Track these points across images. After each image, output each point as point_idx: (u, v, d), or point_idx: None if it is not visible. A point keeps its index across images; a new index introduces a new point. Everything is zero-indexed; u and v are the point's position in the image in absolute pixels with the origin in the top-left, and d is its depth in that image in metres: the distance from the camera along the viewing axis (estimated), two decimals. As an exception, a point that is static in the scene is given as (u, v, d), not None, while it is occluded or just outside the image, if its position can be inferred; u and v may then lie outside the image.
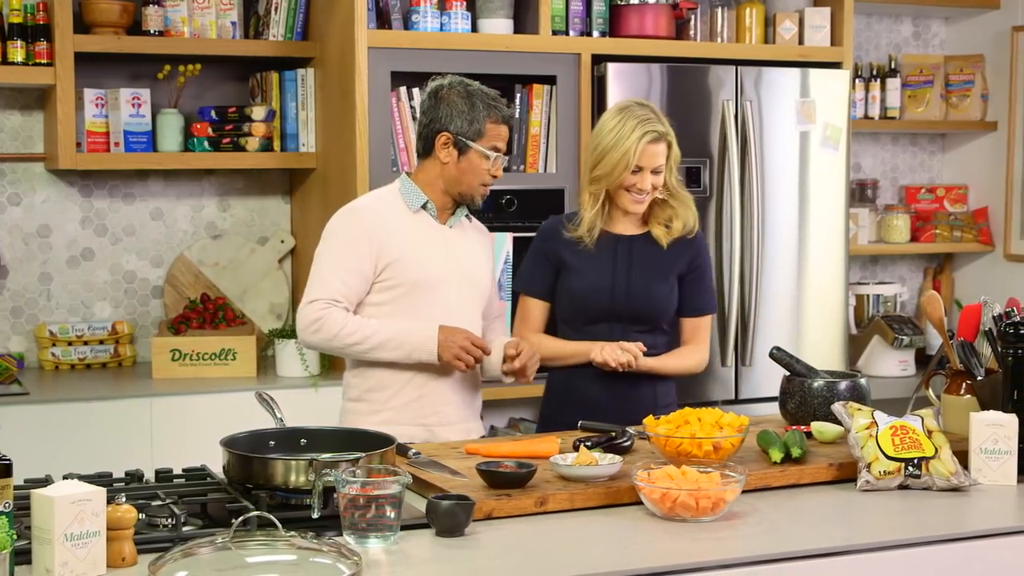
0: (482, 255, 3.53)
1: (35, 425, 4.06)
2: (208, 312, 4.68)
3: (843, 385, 3.24)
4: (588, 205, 3.57)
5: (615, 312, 3.55)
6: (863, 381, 3.29)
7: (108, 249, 4.77)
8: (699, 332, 3.65)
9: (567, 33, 4.73)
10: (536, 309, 3.64)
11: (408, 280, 3.34)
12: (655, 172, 3.50)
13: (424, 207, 3.40)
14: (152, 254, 4.82)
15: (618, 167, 3.48)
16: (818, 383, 3.25)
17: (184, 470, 2.83)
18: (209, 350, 4.47)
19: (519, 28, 4.69)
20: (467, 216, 3.50)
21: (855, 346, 5.36)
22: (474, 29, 4.63)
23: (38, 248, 4.68)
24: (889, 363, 5.38)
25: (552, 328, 3.67)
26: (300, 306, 3.35)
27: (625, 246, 3.58)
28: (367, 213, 3.38)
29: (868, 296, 5.50)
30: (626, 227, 3.60)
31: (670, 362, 3.59)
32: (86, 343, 4.63)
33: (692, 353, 3.64)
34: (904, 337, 5.32)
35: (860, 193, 5.73)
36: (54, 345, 4.60)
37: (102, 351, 4.65)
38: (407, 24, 4.55)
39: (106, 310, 4.78)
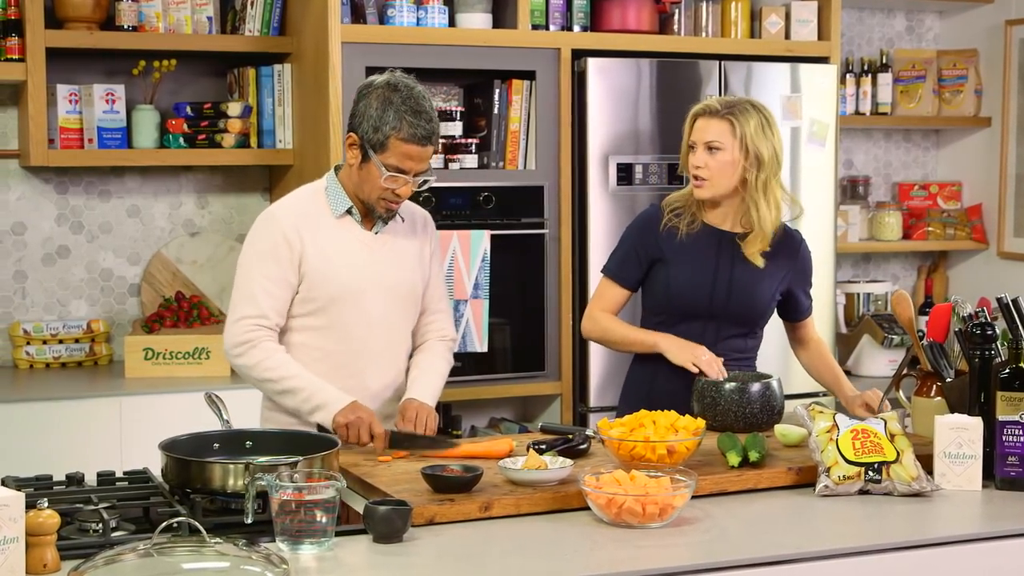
0: (412, 259, 3.29)
1: (3, 425, 4.00)
2: (183, 311, 4.62)
3: (755, 388, 3.18)
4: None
5: (712, 311, 3.36)
6: (775, 383, 3.22)
7: (84, 247, 4.71)
8: (810, 330, 3.62)
9: (547, 28, 4.65)
10: (615, 294, 3.46)
11: (323, 295, 3.17)
12: (711, 148, 3.31)
13: (349, 212, 3.21)
14: (129, 252, 4.76)
15: (682, 148, 3.41)
16: (729, 386, 3.18)
17: (126, 473, 2.78)
18: (183, 349, 4.40)
19: (498, 22, 4.61)
20: (400, 217, 3.27)
21: (845, 345, 5.27)
22: (451, 23, 4.56)
23: (12, 246, 4.62)
24: (879, 362, 5.29)
25: (632, 318, 3.54)
26: (228, 322, 3.17)
27: (729, 242, 3.39)
28: (286, 218, 3.19)
29: (858, 295, 5.42)
30: (723, 220, 3.40)
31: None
32: (61, 342, 4.58)
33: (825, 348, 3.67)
34: (894, 336, 5.22)
35: (852, 190, 5.65)
36: (28, 344, 4.54)
37: (77, 350, 4.59)
38: (382, 19, 4.48)
39: (82, 308, 4.72)
